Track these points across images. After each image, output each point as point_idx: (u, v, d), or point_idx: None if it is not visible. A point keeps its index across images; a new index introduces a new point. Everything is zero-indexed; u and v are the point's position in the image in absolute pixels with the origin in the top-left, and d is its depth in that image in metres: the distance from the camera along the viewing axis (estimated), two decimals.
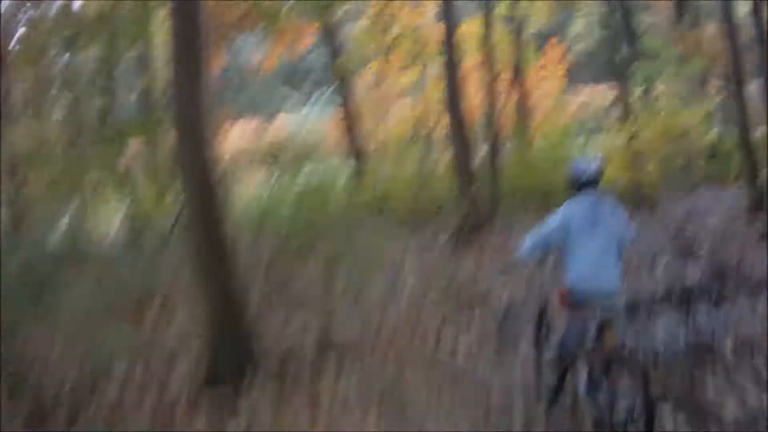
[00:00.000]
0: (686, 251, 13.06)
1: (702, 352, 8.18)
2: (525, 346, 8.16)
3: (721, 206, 17.19)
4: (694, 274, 11.59)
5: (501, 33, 22.00)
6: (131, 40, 15.96)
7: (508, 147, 19.63)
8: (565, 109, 32.96)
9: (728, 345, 8.29)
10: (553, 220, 6.26)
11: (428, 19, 22.52)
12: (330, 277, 10.37)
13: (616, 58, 23.37)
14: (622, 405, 5.58)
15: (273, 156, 27.94)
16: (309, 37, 25.32)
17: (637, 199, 17.67)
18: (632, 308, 9.38)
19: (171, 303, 9.88)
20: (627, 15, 24.37)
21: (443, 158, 20.29)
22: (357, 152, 22.04)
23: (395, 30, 22.05)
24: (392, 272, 11.95)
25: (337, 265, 10.58)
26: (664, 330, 9.10)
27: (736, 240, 13.29)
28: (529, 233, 6.47)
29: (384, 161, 21.84)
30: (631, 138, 19.08)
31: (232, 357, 7.83)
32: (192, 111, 7.60)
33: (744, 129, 15.93)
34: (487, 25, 18.04)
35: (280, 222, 12.18)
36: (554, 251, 6.46)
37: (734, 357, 7.97)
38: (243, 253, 9.16)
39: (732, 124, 30.48)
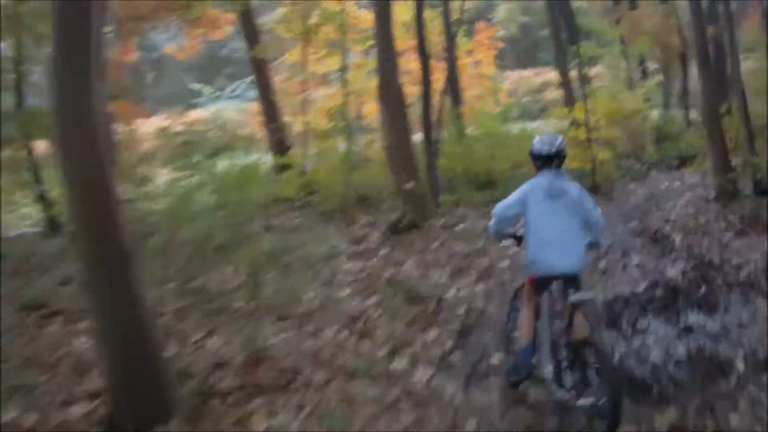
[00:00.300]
0: (659, 246, 11.96)
1: (711, 370, 6.93)
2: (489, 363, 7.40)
3: (681, 195, 16.29)
4: (674, 272, 10.31)
5: (430, 16, 21.05)
6: (39, 39, 14.31)
7: (443, 134, 18.07)
8: (497, 93, 32.32)
9: (739, 359, 7.03)
10: (514, 195, 6.30)
11: (350, 4, 21.89)
12: (255, 283, 8.93)
13: (557, 40, 22.60)
14: (589, 392, 5.62)
15: (188, 151, 26.07)
16: (226, 26, 24.58)
17: (590, 188, 16.53)
18: (612, 314, 8.63)
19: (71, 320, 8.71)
20: None
21: (373, 146, 19.49)
22: (277, 144, 21.01)
23: (316, 16, 20.89)
24: (326, 274, 10.89)
25: (263, 267, 9.09)
26: (657, 341, 7.82)
27: (711, 234, 12.21)
28: (494, 210, 6.45)
29: (308, 152, 20.68)
30: (575, 123, 18.09)
31: (136, 405, 6.09)
32: (78, 110, 5.89)
33: (711, 111, 14.85)
34: (417, 7, 16.54)
35: (196, 222, 10.54)
36: (517, 227, 6.54)
37: (752, 375, 6.70)
38: (151, 262, 7.83)
39: (675, 107, 30.33)
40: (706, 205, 14.31)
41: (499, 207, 6.41)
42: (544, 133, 6.99)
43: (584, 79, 18.52)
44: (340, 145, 18.93)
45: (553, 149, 6.26)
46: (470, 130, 21.53)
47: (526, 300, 6.45)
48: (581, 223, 6.20)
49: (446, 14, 22.23)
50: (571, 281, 6.01)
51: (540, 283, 6.19)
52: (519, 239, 6.64)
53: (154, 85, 43.61)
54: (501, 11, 46.72)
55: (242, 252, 9.01)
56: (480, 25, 31.75)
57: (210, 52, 45.35)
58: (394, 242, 13.13)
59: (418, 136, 16.53)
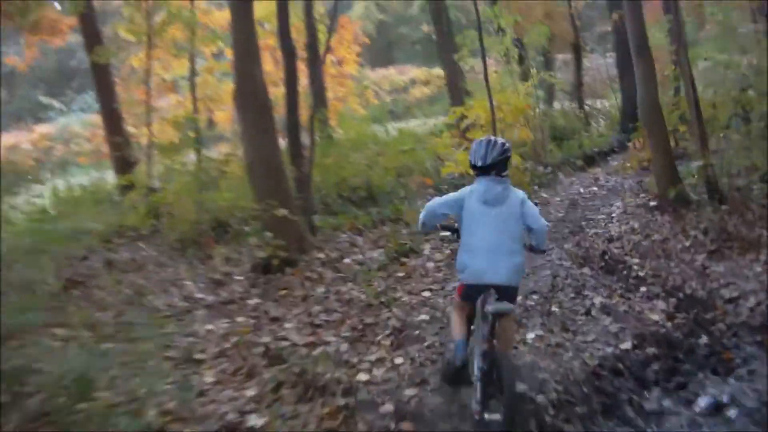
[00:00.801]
0: (617, 277, 9.37)
1: None
2: None
3: (608, 203, 14.21)
4: (657, 316, 7.82)
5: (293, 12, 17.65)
6: None
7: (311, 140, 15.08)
8: (364, 94, 31.16)
9: None
10: (452, 194, 6.09)
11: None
12: (82, 349, 6.23)
13: (441, 31, 20.55)
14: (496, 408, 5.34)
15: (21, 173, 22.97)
16: (67, 32, 22.32)
17: None
18: (605, 394, 6.19)
19: None
20: None
21: (231, 159, 16.41)
22: (120, 160, 17.63)
23: (162, 14, 17.65)
24: (179, 343, 7.74)
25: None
26: None
27: (677, 256, 9.86)
28: (427, 203, 6.15)
29: (154, 169, 17.10)
30: (465, 123, 15.65)
31: None
32: None
33: (651, 104, 12.63)
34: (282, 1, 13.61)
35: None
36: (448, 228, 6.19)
37: None
38: None
39: (563, 100, 28.41)
40: (650, 215, 12.10)
41: (433, 202, 6.14)
42: (480, 139, 6.15)
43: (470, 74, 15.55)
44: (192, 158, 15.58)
45: (488, 161, 5.81)
46: (339, 136, 19.28)
47: (456, 300, 6.18)
48: (518, 233, 5.86)
49: (309, 7, 19.54)
50: (503, 292, 5.68)
51: (470, 291, 5.84)
52: (457, 232, 6.08)
53: (8, 100, 40.04)
54: (358, 8, 44.13)
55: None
56: (343, 19, 28.69)
57: (59, 63, 42.87)
58: (265, 287, 10.00)
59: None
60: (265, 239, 10.86)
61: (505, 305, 5.61)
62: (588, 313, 7.99)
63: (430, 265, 10.47)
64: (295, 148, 13.38)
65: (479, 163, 5.80)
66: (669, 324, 7.53)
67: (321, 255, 11.25)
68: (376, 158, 17.18)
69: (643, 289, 8.69)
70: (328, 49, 21.12)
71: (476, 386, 5.57)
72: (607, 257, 10.08)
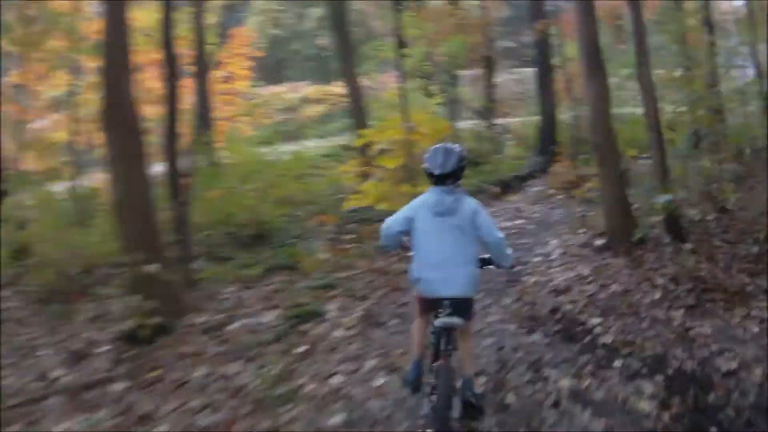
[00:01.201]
0: (580, 345, 7.41)
1: None
2: None
3: (541, 240, 12.27)
4: (647, 405, 5.93)
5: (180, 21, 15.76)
6: None
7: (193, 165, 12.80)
8: (254, 113, 28.98)
9: None
10: (401, 211, 5.92)
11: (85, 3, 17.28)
12: None
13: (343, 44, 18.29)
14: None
15: None
16: None
17: None
18: None
19: None
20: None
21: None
22: None
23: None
24: None
25: None
26: None
27: (648, 312, 7.92)
28: (381, 226, 5.95)
29: (24, 200, 14.94)
30: (375, 149, 13.48)
31: None
32: None
33: (605, 125, 10.67)
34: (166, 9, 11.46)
35: None
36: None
37: None
38: None
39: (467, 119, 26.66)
40: (600, 258, 10.22)
41: (385, 224, 5.89)
42: (436, 146, 5.88)
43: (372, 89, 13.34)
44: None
45: (447, 169, 5.61)
46: (227, 161, 17.10)
47: (416, 315, 6.00)
48: (471, 244, 5.67)
49: (198, 16, 17.35)
50: (458, 304, 5.52)
51: (427, 303, 5.70)
52: None
53: None
54: (251, 23, 41.92)
55: None
56: (236, 30, 26.43)
57: None
58: (134, 364, 7.84)
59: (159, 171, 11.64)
60: (131, 302, 8.60)
61: (454, 320, 5.49)
62: (557, 404, 6.05)
63: (338, 334, 8.35)
64: (173, 178, 11.08)
65: (437, 171, 5.63)
66: (666, 416, 5.70)
67: (202, 318, 9.18)
68: (268, 188, 15.01)
69: (617, 363, 6.79)
70: (218, 63, 19.19)
71: (424, 402, 5.63)
72: (559, 316, 8.19)
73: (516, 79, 35.03)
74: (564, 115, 21.91)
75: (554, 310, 8.33)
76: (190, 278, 10.37)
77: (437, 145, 5.89)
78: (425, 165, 5.73)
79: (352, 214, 13.96)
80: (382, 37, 20.16)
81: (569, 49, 19.80)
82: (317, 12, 39.14)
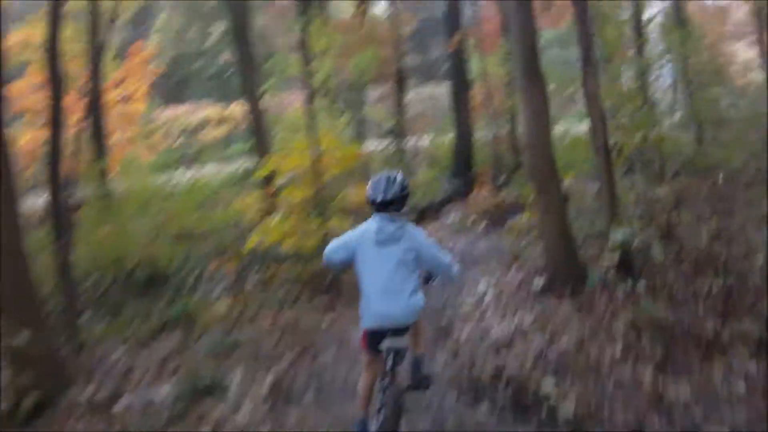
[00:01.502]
0: (542, 421, 6.15)
1: None
2: None
3: (469, 280, 10.64)
4: None
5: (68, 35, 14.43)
6: None
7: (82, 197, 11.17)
8: (152, 136, 27.38)
9: None
10: (343, 237, 5.88)
11: None
12: None
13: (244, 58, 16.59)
14: None
15: None
16: None
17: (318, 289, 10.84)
18: None
19: None
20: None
21: None
22: None
23: None
24: None
25: None
26: None
27: (608, 374, 6.60)
28: (325, 249, 5.90)
29: None
30: (279, 180, 11.76)
31: None
32: None
33: (544, 151, 9.15)
34: (54, 23, 9.92)
35: None
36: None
37: None
38: None
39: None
40: (542, 302, 8.74)
41: (328, 249, 5.86)
42: (380, 174, 5.85)
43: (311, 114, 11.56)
44: None
45: (388, 196, 5.57)
46: (122, 191, 15.26)
47: (363, 357, 5.87)
48: (414, 273, 5.59)
49: (94, 27, 15.52)
50: (402, 331, 5.54)
51: (372, 337, 5.58)
52: None
53: None
54: (154, 40, 39.91)
55: None
56: (136, 46, 24.58)
57: None
58: None
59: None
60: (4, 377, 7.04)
61: (399, 341, 5.48)
62: None
63: (243, 416, 6.65)
64: (57, 214, 9.52)
65: (378, 199, 5.58)
66: None
67: (89, 390, 7.51)
68: (165, 222, 13.50)
69: None
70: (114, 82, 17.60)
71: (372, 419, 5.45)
72: (505, 381, 6.75)
73: (425, 97, 33.98)
74: (481, 133, 20.78)
75: (498, 373, 6.87)
76: (75, 339, 8.70)
77: (380, 174, 5.86)
78: (367, 193, 5.67)
79: (256, 254, 12.36)
80: (287, 53, 18.62)
81: (489, 62, 18.80)
82: (221, 28, 37.44)
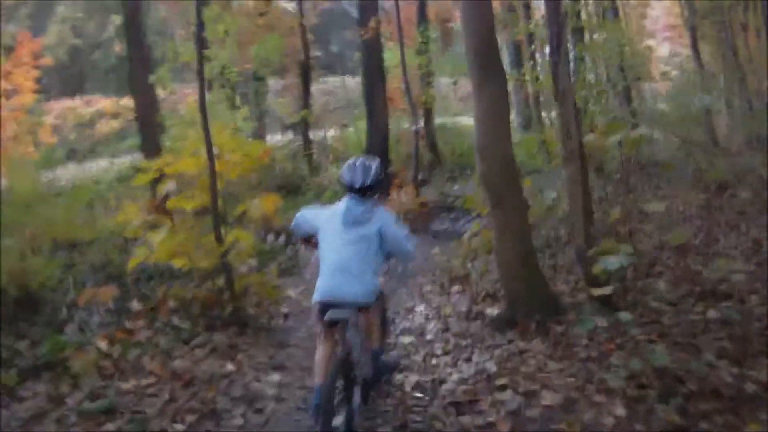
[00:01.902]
0: None
1: None
2: None
3: (403, 305, 9.26)
4: None
5: None
6: None
7: None
8: (39, 131, 25.21)
9: None
10: (312, 211, 6.05)
11: None
12: None
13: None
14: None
15: None
16: None
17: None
18: None
19: None
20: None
21: None
22: None
23: None
24: None
25: None
26: None
27: None
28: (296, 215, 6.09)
29: None
30: (165, 187, 9.47)
31: None
32: None
33: (504, 152, 7.46)
34: None
35: None
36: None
37: None
38: None
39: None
40: (502, 339, 7.01)
41: (298, 216, 6.05)
42: (352, 160, 5.81)
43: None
44: None
45: (367, 182, 5.59)
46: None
47: (316, 332, 5.87)
48: (373, 256, 5.54)
49: None
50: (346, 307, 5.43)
51: (322, 310, 5.43)
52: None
53: None
54: (52, 34, 37.43)
55: None
56: (23, 35, 22.84)
57: None
58: None
59: None
60: None
61: (342, 312, 5.32)
62: None
63: None
64: None
65: (357, 185, 5.56)
66: None
67: None
68: (45, 230, 11.02)
69: None
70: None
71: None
72: None
73: (331, 89, 32.44)
74: (395, 127, 19.24)
75: None
76: None
77: (353, 159, 5.83)
78: (342, 177, 5.67)
79: (142, 275, 10.44)
80: (183, 41, 16.74)
81: (404, 54, 17.19)
82: (118, 19, 35.29)
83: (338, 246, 5.45)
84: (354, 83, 30.01)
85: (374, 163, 5.71)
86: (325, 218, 5.65)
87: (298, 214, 5.95)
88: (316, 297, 5.46)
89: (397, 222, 5.71)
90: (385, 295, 6.32)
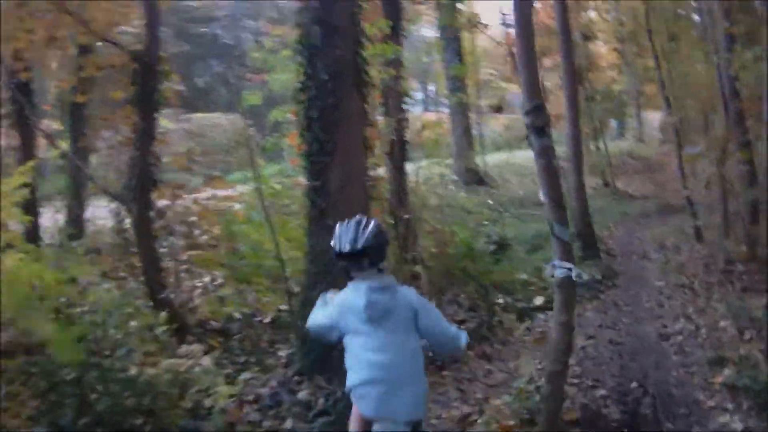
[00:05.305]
0: None
1: None
2: None
3: None
4: None
5: None
6: None
7: None
8: None
9: None
10: (325, 314, 4.31)
11: None
12: None
13: None
14: None
15: None
16: None
17: None
18: None
19: None
20: None
21: None
22: None
23: None
24: None
25: None
26: None
27: None
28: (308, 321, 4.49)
29: None
30: None
31: None
32: None
33: None
34: None
35: None
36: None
37: None
38: None
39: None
40: None
41: (311, 322, 4.41)
42: (346, 221, 4.24)
43: None
44: None
45: (359, 245, 4.02)
46: None
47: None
48: (417, 350, 4.11)
49: None
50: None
51: (366, 424, 4.15)
52: None
53: None
54: None
55: None
56: None
57: None
58: None
59: None
60: None
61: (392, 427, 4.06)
62: None
63: None
64: None
65: (346, 249, 4.05)
66: None
67: None
68: None
69: None
70: None
71: None
72: None
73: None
74: None
75: None
76: None
77: (346, 221, 4.24)
78: (332, 245, 4.17)
79: None
80: None
81: None
82: None
83: (373, 351, 3.95)
84: (227, 121, 22.47)
85: (374, 222, 4.13)
86: (340, 315, 4.02)
87: (308, 325, 4.32)
88: (362, 410, 4.04)
89: (423, 300, 4.16)
90: None
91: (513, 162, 24.38)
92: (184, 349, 7.37)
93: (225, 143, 21.44)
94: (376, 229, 4.11)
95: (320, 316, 4.30)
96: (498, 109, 12.76)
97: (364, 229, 4.04)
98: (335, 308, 4.16)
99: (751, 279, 10.07)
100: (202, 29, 33.32)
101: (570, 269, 5.10)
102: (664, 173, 26.47)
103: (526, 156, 26.34)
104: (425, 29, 26.55)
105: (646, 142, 33.97)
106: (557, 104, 25.10)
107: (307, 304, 6.25)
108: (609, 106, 28.48)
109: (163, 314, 7.54)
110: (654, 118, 36.69)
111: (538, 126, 4.90)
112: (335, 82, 6.23)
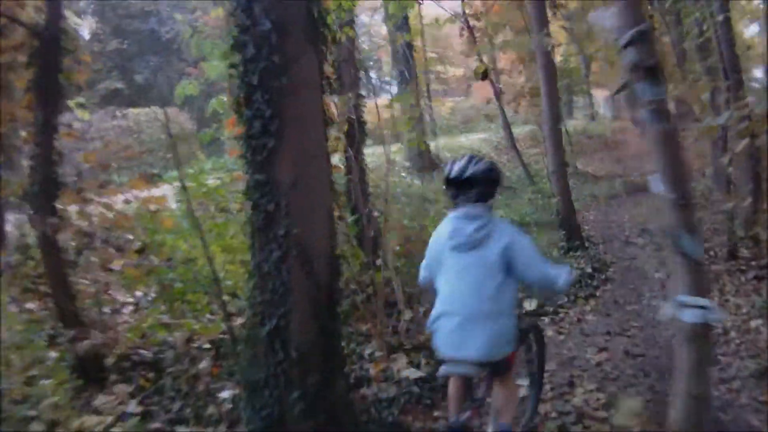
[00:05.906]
0: None
1: None
2: None
3: None
4: None
5: None
6: None
7: None
8: None
9: None
10: (429, 247, 4.23)
11: None
12: None
13: None
14: None
15: None
16: None
17: None
18: None
19: None
20: None
21: None
22: None
23: None
24: None
25: None
26: None
27: None
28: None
29: None
30: None
31: None
32: None
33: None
34: None
35: None
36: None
37: None
38: None
39: None
40: None
41: (420, 277, 4.32)
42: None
43: None
44: None
45: (466, 173, 3.89)
46: None
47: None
48: (507, 286, 3.82)
49: None
50: (480, 366, 3.89)
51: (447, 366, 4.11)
52: None
53: None
54: None
55: None
56: None
57: None
58: None
59: None
60: None
61: (459, 368, 3.87)
62: None
63: None
64: None
65: (452, 174, 3.94)
66: None
67: None
68: None
69: None
70: None
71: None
72: None
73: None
74: None
75: None
76: None
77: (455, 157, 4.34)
78: (444, 172, 4.06)
79: None
80: None
81: None
82: None
83: (452, 281, 3.80)
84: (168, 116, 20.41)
85: (486, 160, 3.97)
86: (435, 249, 3.95)
87: (420, 278, 4.19)
88: (437, 347, 3.90)
89: (523, 236, 3.84)
90: (536, 332, 4.67)
91: (465, 145, 23.22)
92: (100, 400, 5.74)
93: (162, 138, 19.82)
94: (489, 165, 3.92)
95: (422, 267, 4.14)
96: (484, 75, 11.21)
97: (477, 162, 3.85)
98: (428, 251, 4.00)
99: (759, 264, 8.91)
100: (140, 25, 31.47)
101: (705, 308, 3.32)
102: (621, 151, 25.84)
103: (476, 138, 25.70)
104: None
105: (596, 120, 32.99)
106: (513, 88, 24.38)
107: (254, 343, 4.46)
108: (567, 83, 27.56)
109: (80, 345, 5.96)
110: (599, 96, 36.14)
111: (649, 65, 3.17)
112: (281, 35, 4.13)
